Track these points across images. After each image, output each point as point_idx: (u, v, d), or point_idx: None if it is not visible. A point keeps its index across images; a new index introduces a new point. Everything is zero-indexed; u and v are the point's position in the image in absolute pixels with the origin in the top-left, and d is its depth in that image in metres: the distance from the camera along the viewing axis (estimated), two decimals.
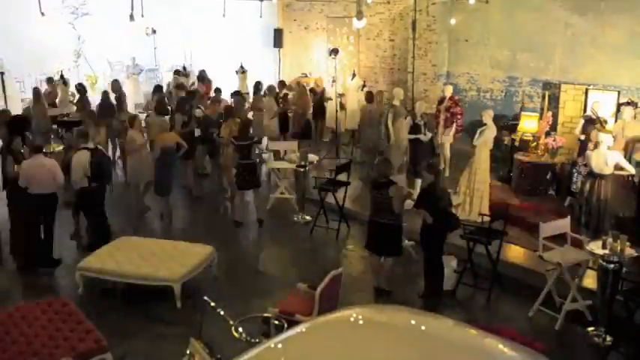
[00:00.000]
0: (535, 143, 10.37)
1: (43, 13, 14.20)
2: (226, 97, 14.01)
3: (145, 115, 13.40)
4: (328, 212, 9.30)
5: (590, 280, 6.87)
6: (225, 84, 18.54)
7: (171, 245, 7.47)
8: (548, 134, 10.37)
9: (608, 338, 6.09)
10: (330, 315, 3.41)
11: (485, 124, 8.91)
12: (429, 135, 9.99)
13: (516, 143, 11.01)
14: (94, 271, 6.97)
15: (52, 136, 12.91)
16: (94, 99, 13.56)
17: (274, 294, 7.16)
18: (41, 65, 16.71)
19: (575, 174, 9.22)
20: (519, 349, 3.19)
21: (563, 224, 7.03)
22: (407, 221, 8.43)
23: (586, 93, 10.45)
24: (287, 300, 5.90)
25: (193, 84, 15.36)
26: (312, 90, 14.23)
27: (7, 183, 7.83)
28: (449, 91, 11.80)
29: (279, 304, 5.72)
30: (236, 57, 17.81)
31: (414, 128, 9.89)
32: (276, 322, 4.18)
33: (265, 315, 4.73)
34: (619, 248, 5.93)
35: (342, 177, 9.47)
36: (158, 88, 13.38)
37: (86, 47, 17.59)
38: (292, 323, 5.02)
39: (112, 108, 12.29)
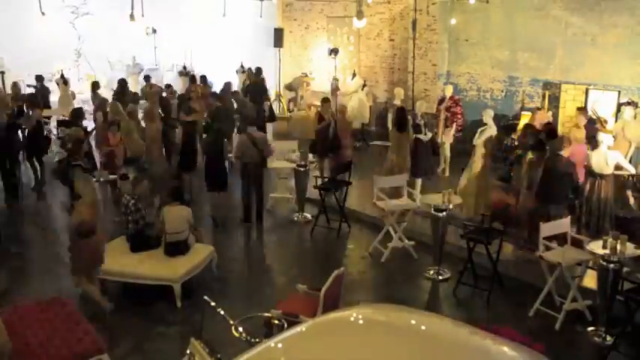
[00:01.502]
0: None
1: (43, 13, 14.23)
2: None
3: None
4: (329, 212, 9.30)
5: (590, 280, 6.87)
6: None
7: None
8: None
9: (609, 338, 6.09)
10: (330, 315, 3.41)
11: (485, 124, 8.91)
12: (429, 135, 9.98)
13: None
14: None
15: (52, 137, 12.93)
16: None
17: (275, 293, 7.18)
18: (42, 65, 16.72)
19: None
20: (519, 349, 3.19)
21: (564, 224, 7.03)
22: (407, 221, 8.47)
23: (586, 93, 10.45)
24: (288, 301, 5.89)
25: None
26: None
27: None
28: (449, 90, 11.80)
29: (280, 305, 5.71)
30: (236, 56, 17.82)
31: (415, 128, 9.88)
32: (276, 322, 4.16)
33: (267, 315, 4.72)
34: (619, 248, 5.92)
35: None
36: None
37: (86, 46, 17.62)
38: (295, 324, 5.01)
39: None
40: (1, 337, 4.66)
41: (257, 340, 3.59)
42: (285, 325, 3.90)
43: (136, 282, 6.84)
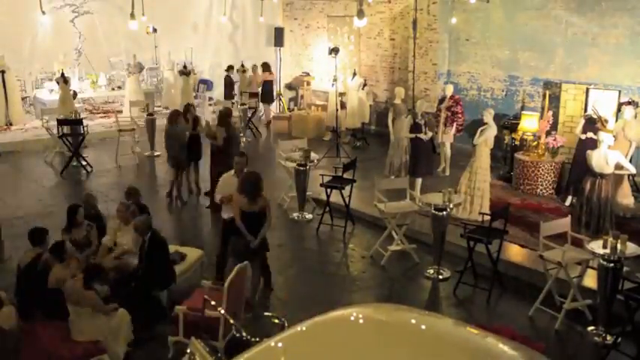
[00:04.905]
0: (536, 142, 10.37)
1: (44, 12, 14.20)
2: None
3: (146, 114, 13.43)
4: (328, 211, 9.30)
5: (590, 280, 6.87)
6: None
7: None
8: (548, 133, 10.37)
9: (609, 338, 6.10)
10: (330, 314, 3.41)
11: (485, 123, 8.91)
12: (430, 134, 9.99)
13: (517, 142, 11.00)
14: None
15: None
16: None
17: (275, 293, 7.19)
18: (42, 64, 16.73)
19: None
20: (519, 349, 3.19)
21: (564, 223, 7.03)
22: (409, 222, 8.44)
23: (587, 92, 10.44)
24: (194, 297, 5.92)
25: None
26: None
27: None
28: (449, 90, 11.80)
29: (186, 302, 5.77)
30: (237, 55, 17.83)
31: (415, 127, 9.88)
32: (276, 320, 4.17)
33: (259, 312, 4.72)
34: (619, 248, 5.92)
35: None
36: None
37: (87, 46, 17.61)
38: (206, 319, 5.19)
39: None
40: (10, 321, 4.69)
41: (257, 339, 3.59)
42: (286, 324, 3.91)
43: None
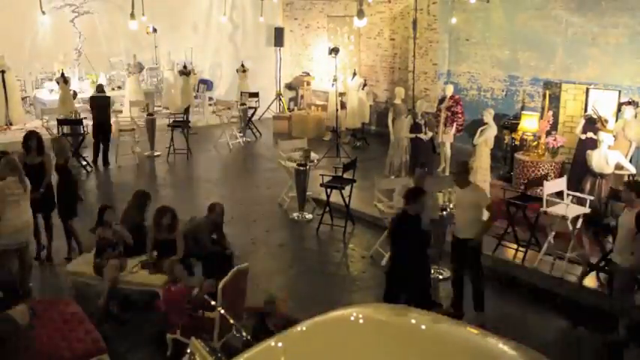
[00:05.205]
0: (536, 142, 10.36)
1: (44, 12, 14.19)
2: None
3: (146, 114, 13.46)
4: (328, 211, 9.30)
5: (590, 280, 6.88)
6: (226, 83, 18.57)
7: None
8: (548, 133, 10.37)
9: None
10: (330, 314, 3.42)
11: (486, 123, 8.91)
12: (430, 134, 9.99)
13: (517, 142, 11.00)
14: (82, 276, 6.69)
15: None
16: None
17: (275, 293, 7.17)
18: (42, 64, 16.72)
19: None
20: (519, 349, 3.19)
21: (562, 182, 7.84)
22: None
23: (587, 92, 10.44)
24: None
25: None
26: None
27: None
28: (450, 90, 11.80)
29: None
30: (237, 55, 17.82)
31: (415, 127, 9.89)
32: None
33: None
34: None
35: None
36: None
37: (87, 46, 17.59)
38: (196, 319, 5.33)
39: None
40: (24, 319, 4.69)
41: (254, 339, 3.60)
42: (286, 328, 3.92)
43: (124, 287, 6.59)
